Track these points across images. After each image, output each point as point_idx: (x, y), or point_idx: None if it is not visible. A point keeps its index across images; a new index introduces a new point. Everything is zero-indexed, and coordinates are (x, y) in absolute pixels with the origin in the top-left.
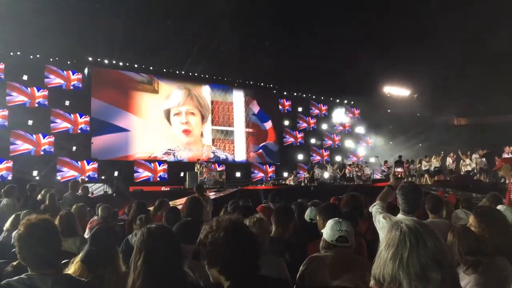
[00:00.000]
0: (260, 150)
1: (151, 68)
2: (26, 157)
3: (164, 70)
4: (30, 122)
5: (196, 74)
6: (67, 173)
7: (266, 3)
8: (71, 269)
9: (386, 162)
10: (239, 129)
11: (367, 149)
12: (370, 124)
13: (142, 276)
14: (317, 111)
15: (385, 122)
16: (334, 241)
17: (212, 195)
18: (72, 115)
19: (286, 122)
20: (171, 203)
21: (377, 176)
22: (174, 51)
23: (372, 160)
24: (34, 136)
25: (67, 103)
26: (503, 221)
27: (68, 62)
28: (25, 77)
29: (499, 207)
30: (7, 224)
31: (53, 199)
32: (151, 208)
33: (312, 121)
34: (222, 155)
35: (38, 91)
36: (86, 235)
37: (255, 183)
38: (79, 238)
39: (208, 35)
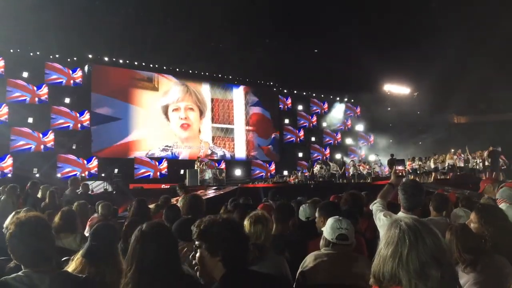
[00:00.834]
0: (270, 146)
1: (151, 65)
2: (26, 154)
3: (164, 67)
4: (30, 120)
5: (196, 72)
6: (67, 170)
7: (266, 1)
8: (72, 266)
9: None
10: (239, 127)
11: (367, 147)
12: (370, 122)
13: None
14: (317, 109)
15: (385, 120)
16: (334, 239)
17: (211, 193)
18: (72, 112)
19: (286, 120)
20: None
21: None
22: (174, 49)
23: (372, 158)
24: (34, 131)
25: (67, 100)
26: (504, 219)
27: (68, 59)
28: (25, 74)
29: (502, 205)
30: (7, 222)
31: (53, 196)
32: (151, 206)
33: (312, 119)
34: (219, 151)
35: (38, 88)
36: (87, 232)
37: (255, 180)
38: (79, 235)
39: (208, 33)
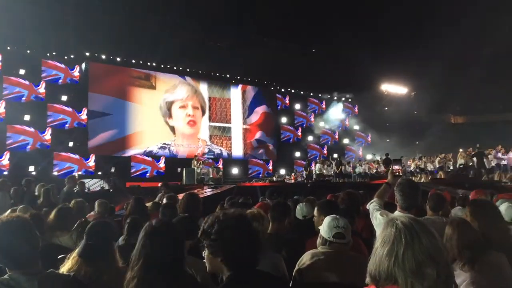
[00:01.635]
0: (271, 144)
1: (148, 63)
2: (23, 152)
3: (162, 66)
4: (27, 117)
5: (194, 70)
6: (63, 167)
7: (266, 0)
8: (68, 264)
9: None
10: (237, 126)
11: (364, 146)
12: (368, 122)
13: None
14: (314, 108)
15: (382, 120)
16: (331, 237)
17: (209, 191)
18: (70, 108)
19: (284, 119)
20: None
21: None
22: (172, 47)
23: (369, 157)
24: (31, 128)
25: (64, 98)
26: (494, 214)
27: (65, 57)
28: (22, 72)
29: (504, 204)
30: None
31: (47, 194)
32: (148, 204)
33: (309, 117)
34: (217, 149)
35: (34, 85)
36: None
37: (252, 179)
38: (75, 232)
39: (206, 31)
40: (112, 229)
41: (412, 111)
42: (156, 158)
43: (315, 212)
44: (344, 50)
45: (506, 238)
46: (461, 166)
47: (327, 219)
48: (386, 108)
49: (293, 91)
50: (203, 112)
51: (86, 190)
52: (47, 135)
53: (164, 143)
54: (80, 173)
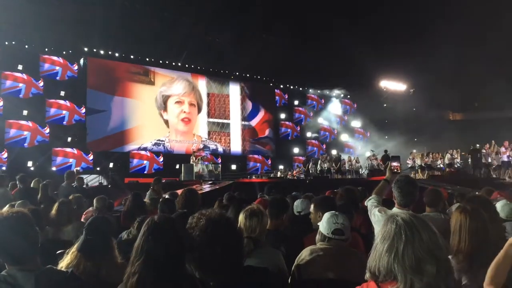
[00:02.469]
0: (269, 140)
1: (147, 59)
2: (21, 147)
3: (160, 61)
4: (25, 112)
5: (192, 66)
6: (62, 163)
7: None
8: (67, 259)
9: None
10: (235, 121)
11: (363, 143)
12: (366, 118)
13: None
14: (313, 104)
15: (381, 116)
16: (330, 233)
17: (207, 187)
18: (68, 103)
19: (282, 115)
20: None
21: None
22: (170, 43)
23: (368, 153)
24: (29, 122)
25: (62, 93)
26: (492, 212)
27: (64, 52)
28: (19, 67)
29: (501, 202)
30: None
31: (45, 189)
32: (146, 200)
33: (308, 114)
34: (213, 145)
35: (32, 80)
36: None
37: (251, 175)
38: (76, 224)
39: (204, 27)
40: (110, 225)
41: (411, 108)
42: (157, 154)
43: (312, 208)
44: (343, 47)
45: (502, 235)
46: (458, 165)
47: (326, 216)
48: (385, 105)
49: (292, 87)
50: (199, 110)
51: (84, 186)
52: (45, 131)
53: (159, 140)
54: (78, 168)
